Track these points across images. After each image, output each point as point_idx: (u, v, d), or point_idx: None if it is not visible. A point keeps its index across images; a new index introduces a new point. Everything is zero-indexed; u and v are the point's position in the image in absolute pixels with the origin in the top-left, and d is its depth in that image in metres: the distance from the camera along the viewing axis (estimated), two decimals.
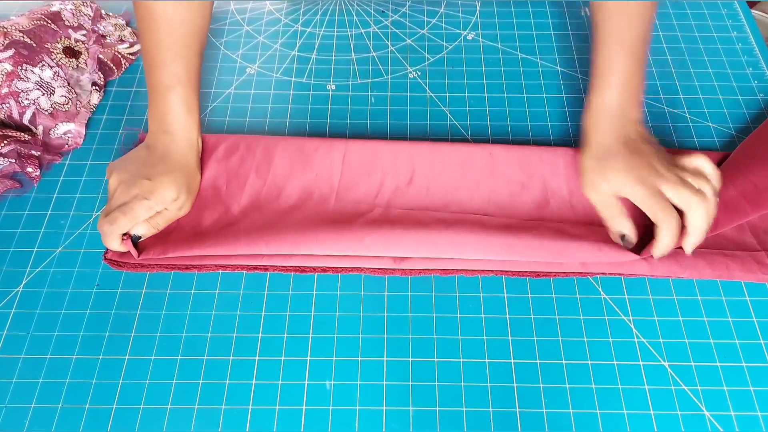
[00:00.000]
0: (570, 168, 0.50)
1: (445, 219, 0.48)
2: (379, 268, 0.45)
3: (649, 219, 0.45)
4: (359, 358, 0.42)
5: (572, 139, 0.54)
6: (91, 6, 0.59)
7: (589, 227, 0.48)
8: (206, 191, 0.49)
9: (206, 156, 0.51)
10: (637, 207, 0.45)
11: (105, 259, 0.46)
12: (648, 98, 0.58)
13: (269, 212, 0.48)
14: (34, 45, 0.53)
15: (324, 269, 0.45)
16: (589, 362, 0.42)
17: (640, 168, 0.43)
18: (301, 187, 0.50)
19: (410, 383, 0.41)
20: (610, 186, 0.44)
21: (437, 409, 0.41)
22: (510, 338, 0.43)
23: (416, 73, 0.60)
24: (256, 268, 0.45)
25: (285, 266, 0.45)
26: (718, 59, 0.61)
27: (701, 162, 0.43)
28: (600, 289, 0.46)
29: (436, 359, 0.42)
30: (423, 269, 0.46)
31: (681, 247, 0.45)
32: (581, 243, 0.44)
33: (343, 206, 0.48)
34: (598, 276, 0.46)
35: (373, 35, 0.64)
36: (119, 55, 0.59)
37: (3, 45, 0.51)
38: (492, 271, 0.46)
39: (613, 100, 0.45)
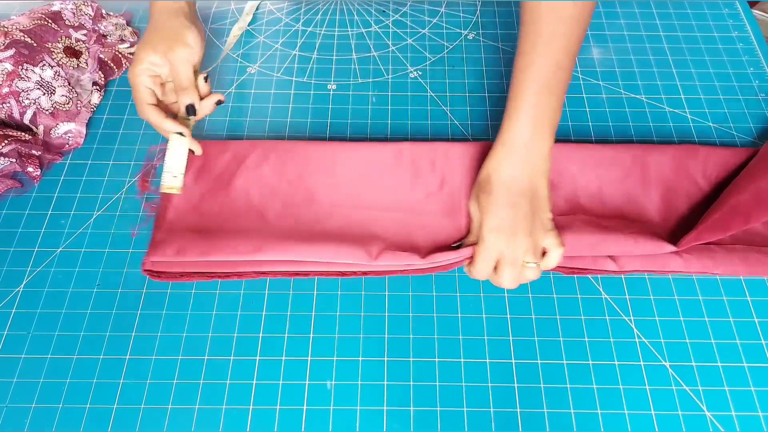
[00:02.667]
0: (599, 163, 0.50)
1: None
2: (418, 269, 0.45)
3: (687, 208, 0.47)
4: (360, 358, 0.42)
5: (572, 140, 0.54)
6: (91, 5, 0.59)
7: (621, 220, 0.48)
8: (238, 199, 0.49)
9: (237, 165, 0.51)
10: (673, 201, 0.48)
11: (144, 270, 0.45)
12: (648, 98, 0.58)
13: (303, 221, 0.48)
14: (35, 44, 0.53)
15: (365, 273, 0.45)
16: (590, 362, 0.42)
17: (501, 220, 0.42)
18: (331, 195, 0.50)
19: (411, 383, 0.41)
20: (477, 212, 0.45)
21: (438, 409, 0.41)
22: (511, 338, 0.43)
23: (417, 72, 0.60)
24: (297, 274, 0.45)
25: (326, 271, 0.45)
26: (718, 59, 0.61)
27: (550, 244, 0.43)
28: (601, 289, 0.46)
29: (436, 359, 0.42)
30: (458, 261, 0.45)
31: (715, 243, 0.45)
32: (617, 235, 0.44)
33: (377, 215, 0.48)
34: (612, 275, 0.46)
35: (374, 35, 0.64)
36: (120, 55, 0.59)
37: (4, 44, 0.51)
38: None
39: (522, 136, 0.44)
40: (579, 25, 0.42)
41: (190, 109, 0.47)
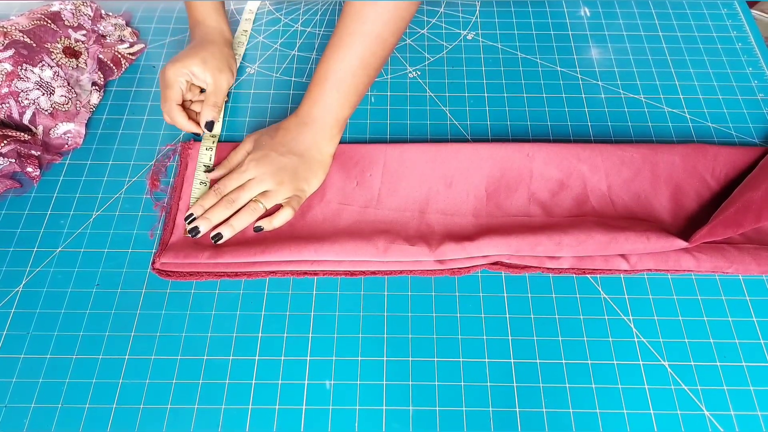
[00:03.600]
0: (608, 163, 0.51)
1: (489, 224, 0.48)
2: (426, 270, 0.46)
3: (697, 206, 0.48)
4: (359, 358, 0.42)
5: (572, 140, 0.54)
6: (91, 6, 0.59)
7: (630, 220, 0.48)
8: None
9: None
10: (683, 200, 0.49)
11: (153, 269, 0.46)
12: (647, 98, 0.58)
13: (311, 220, 0.48)
14: (34, 45, 0.53)
15: (373, 272, 0.46)
16: (589, 362, 0.42)
17: (266, 158, 0.48)
18: (342, 195, 0.50)
19: (410, 383, 0.41)
20: (253, 141, 0.51)
21: (437, 408, 0.41)
22: (510, 338, 0.43)
23: (416, 72, 0.60)
24: (305, 273, 0.45)
25: (335, 270, 0.45)
26: (718, 59, 0.61)
27: (287, 205, 0.47)
28: (600, 289, 0.46)
29: (435, 359, 0.42)
30: (469, 267, 0.45)
31: (726, 242, 0.46)
32: (629, 234, 0.45)
33: (385, 214, 0.49)
34: (622, 275, 0.46)
35: None
36: (119, 55, 0.59)
37: (3, 45, 0.51)
38: (538, 267, 0.46)
39: (313, 115, 0.49)
40: (380, 28, 0.45)
41: (209, 125, 0.52)
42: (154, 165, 0.52)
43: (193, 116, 0.53)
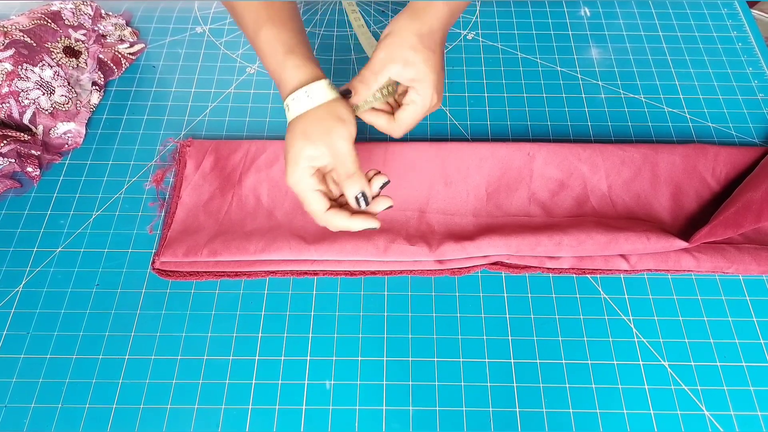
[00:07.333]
0: (608, 163, 0.51)
1: (490, 224, 0.48)
2: (426, 270, 0.46)
3: (697, 206, 0.48)
4: (359, 358, 0.42)
5: (572, 140, 0.54)
6: (91, 5, 0.59)
7: (630, 221, 0.48)
8: (248, 199, 0.50)
9: (248, 165, 0.51)
10: (683, 200, 0.49)
11: (153, 269, 0.46)
12: (647, 98, 0.58)
13: (312, 219, 0.48)
14: (35, 44, 0.53)
15: (373, 272, 0.46)
16: (589, 362, 0.42)
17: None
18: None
19: (410, 383, 0.41)
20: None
21: (437, 408, 0.41)
22: (510, 338, 0.43)
23: None
24: (305, 273, 0.45)
25: (335, 270, 0.46)
26: (718, 59, 0.61)
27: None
28: (600, 289, 0.46)
29: (435, 359, 0.42)
30: (469, 267, 0.45)
31: (726, 243, 0.46)
32: (628, 234, 0.45)
33: (385, 213, 0.49)
34: (621, 275, 0.46)
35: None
36: (119, 55, 0.59)
37: (3, 44, 0.51)
38: (538, 267, 0.46)
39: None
40: None
41: (362, 200, 0.38)
42: (159, 162, 0.52)
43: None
